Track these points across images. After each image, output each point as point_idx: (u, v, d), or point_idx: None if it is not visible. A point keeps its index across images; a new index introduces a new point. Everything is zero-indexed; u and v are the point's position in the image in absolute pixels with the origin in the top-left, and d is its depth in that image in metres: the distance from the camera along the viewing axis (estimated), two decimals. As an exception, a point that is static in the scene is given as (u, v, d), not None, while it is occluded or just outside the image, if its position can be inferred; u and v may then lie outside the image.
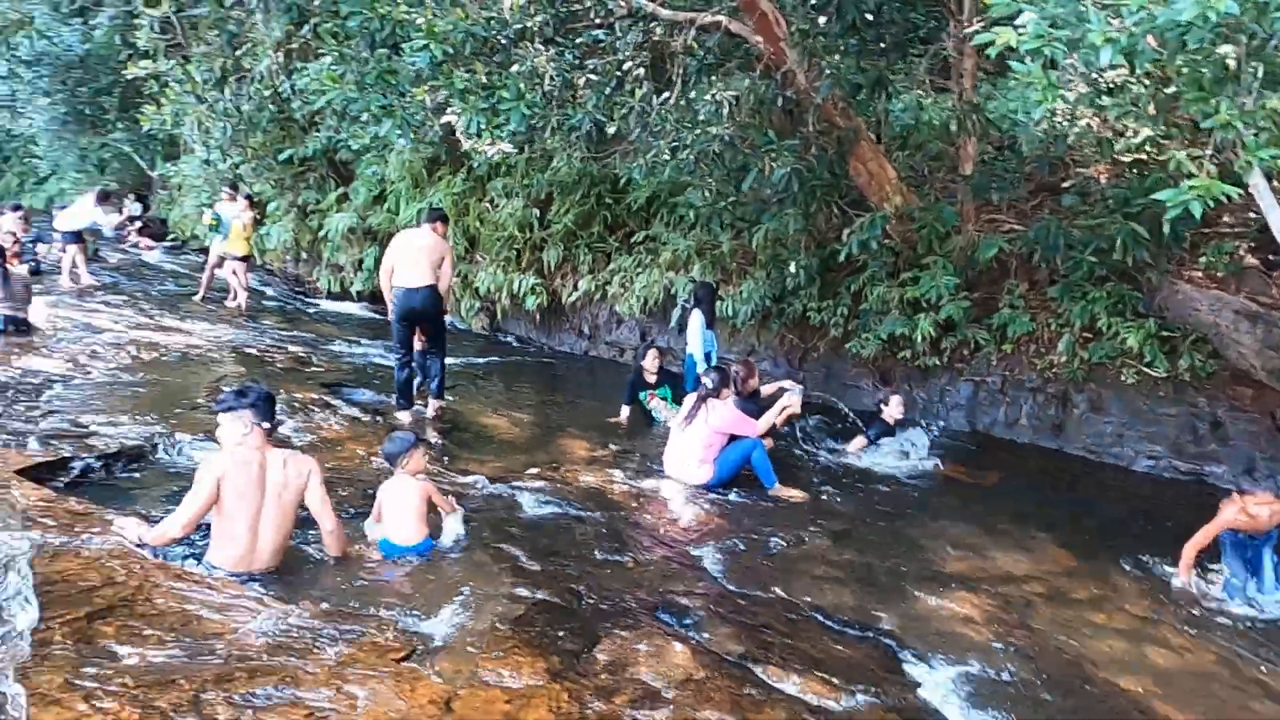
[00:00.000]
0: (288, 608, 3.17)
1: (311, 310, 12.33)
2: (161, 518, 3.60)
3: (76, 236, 11.03)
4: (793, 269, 7.39)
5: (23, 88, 16.94)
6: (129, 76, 12.86)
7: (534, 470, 5.39)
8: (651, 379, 6.87)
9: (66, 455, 4.50)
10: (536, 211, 10.00)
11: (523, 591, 3.55)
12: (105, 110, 16.90)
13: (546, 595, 3.57)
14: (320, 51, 8.80)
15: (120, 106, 16.49)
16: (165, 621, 2.91)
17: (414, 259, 6.02)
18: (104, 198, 11.52)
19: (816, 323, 7.64)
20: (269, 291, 13.06)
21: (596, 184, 9.68)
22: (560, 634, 3.21)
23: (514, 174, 10.29)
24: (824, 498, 5.31)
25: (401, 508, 3.88)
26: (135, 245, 16.14)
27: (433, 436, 5.96)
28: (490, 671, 2.84)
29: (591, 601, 3.59)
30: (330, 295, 13.06)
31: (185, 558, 3.56)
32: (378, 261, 11.98)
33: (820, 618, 3.65)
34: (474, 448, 5.92)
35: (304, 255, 14.12)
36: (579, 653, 3.08)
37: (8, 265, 7.63)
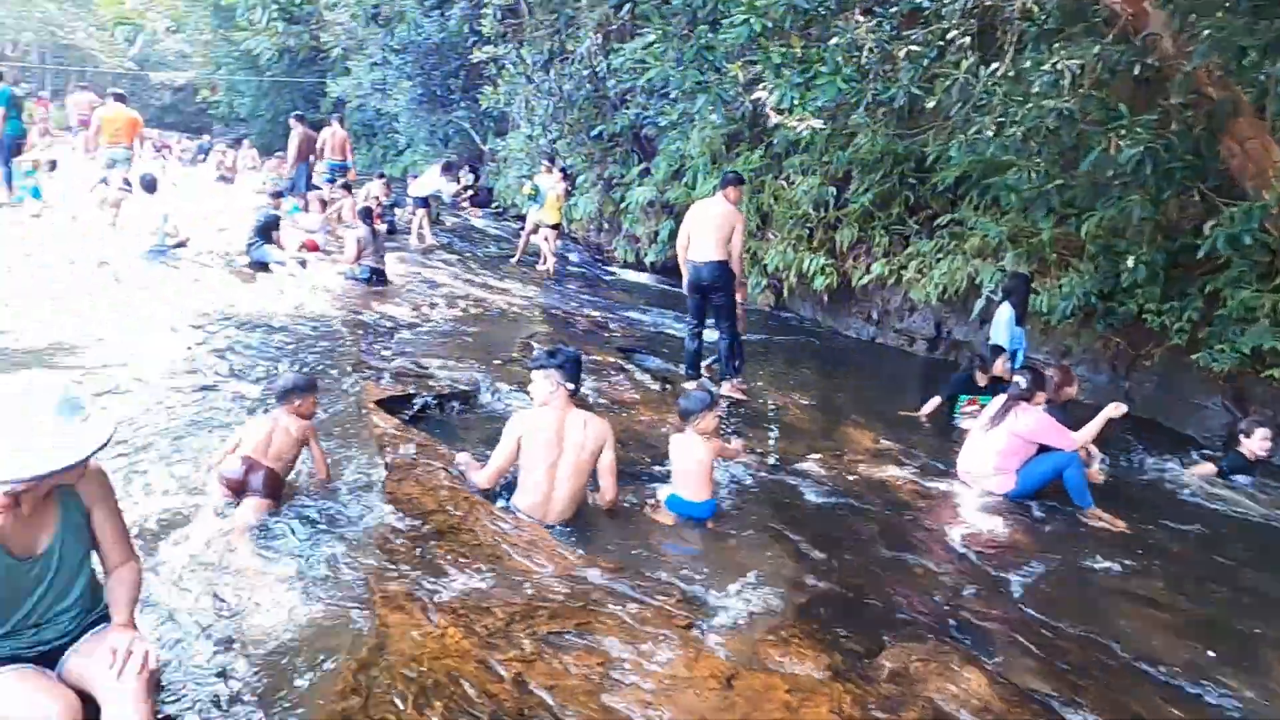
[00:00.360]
0: (582, 559, 3.38)
1: (609, 278, 13.11)
2: (486, 456, 4.01)
3: (424, 202, 12.68)
4: (1130, 263, 6.43)
5: (391, 72, 19.84)
6: (474, 60, 14.52)
7: (815, 456, 5.26)
8: (983, 383, 6.20)
9: (411, 392, 5.18)
10: (833, 190, 9.71)
11: (805, 579, 3.49)
12: (452, 91, 19.29)
13: (829, 587, 3.47)
14: (639, 31, 9.21)
15: (463, 88, 18.73)
16: (483, 553, 3.24)
17: (704, 231, 6.10)
18: (447, 168, 13.11)
19: (1155, 326, 6.62)
20: (573, 258, 14.06)
21: (900, 162, 9.16)
22: (843, 631, 3.10)
23: (813, 151, 10.07)
24: (1151, 529, 4.60)
25: (690, 465, 3.97)
26: (465, 211, 18.24)
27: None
28: (771, 656, 2.82)
29: (875, 603, 3.43)
30: (626, 264, 13.80)
31: (499, 498, 3.93)
32: (672, 234, 12.50)
33: (1146, 668, 3.17)
34: (754, 425, 5.92)
35: (605, 226, 15.08)
36: (862, 655, 2.95)
37: (374, 225, 8.96)
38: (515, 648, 2.60)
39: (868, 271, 9.22)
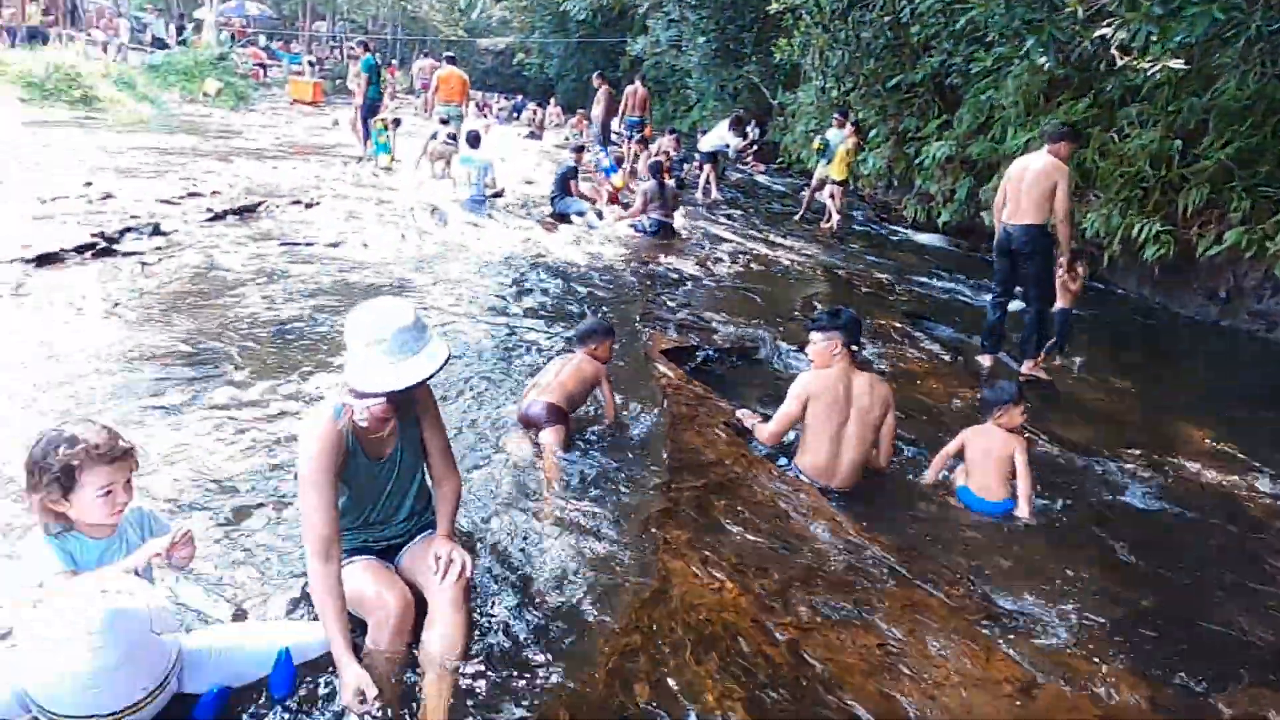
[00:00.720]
0: (864, 533, 3.22)
1: (895, 238, 12.40)
2: (765, 414, 3.97)
3: (711, 157, 12.81)
4: None
5: (687, 28, 20.16)
6: (769, 11, 14.25)
7: (1134, 452, 4.57)
8: None
9: (694, 344, 5.27)
10: (1179, 143, 8.26)
11: (1121, 592, 3.05)
12: (744, 45, 19.20)
13: (1152, 605, 3.00)
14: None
15: (755, 41, 18.55)
16: (762, 511, 3.21)
17: (1022, 191, 5.45)
18: (736, 123, 13.09)
19: None
20: (857, 217, 13.47)
21: (1277, 110, 7.54)
22: (1169, 660, 2.66)
23: (1156, 99, 8.62)
24: None
25: (988, 461, 3.63)
26: (749, 167, 18.20)
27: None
28: (1078, 672, 2.50)
29: (1213, 633, 2.91)
30: (915, 225, 12.96)
31: (779, 458, 3.87)
32: (969, 193, 11.51)
33: None
34: (1059, 409, 5.28)
35: (894, 183, 14.26)
36: (1194, 692, 2.52)
37: (664, 179, 9.21)
38: (792, 614, 2.55)
39: (1218, 241, 7.77)
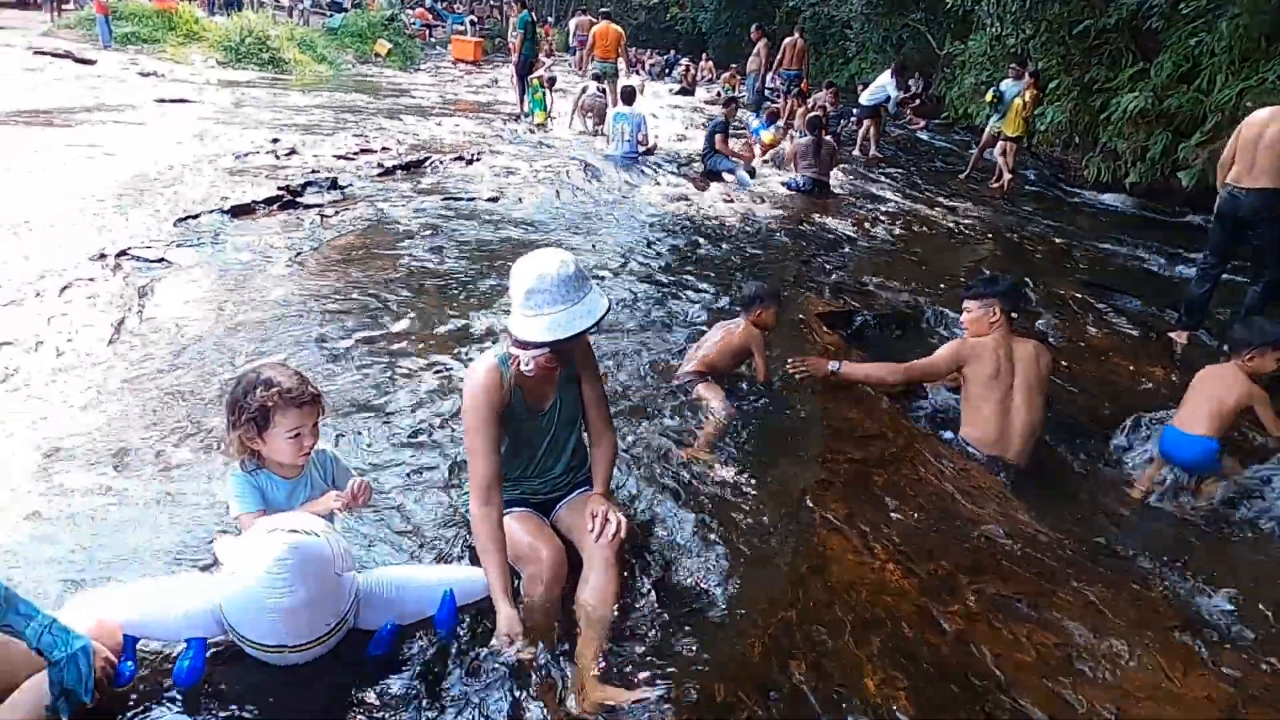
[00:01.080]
0: (1039, 518, 2.98)
1: (1073, 200, 11.42)
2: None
3: (873, 112, 12.16)
4: None
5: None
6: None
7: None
8: None
9: (852, 309, 5.04)
10: None
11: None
12: (915, -9, 18.04)
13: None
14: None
15: (926, -13, 17.39)
16: (925, 490, 3.03)
17: (1255, 150, 4.77)
18: (898, 71, 12.31)
19: None
20: (1029, 176, 12.48)
21: None
22: None
23: None
24: None
25: (1208, 399, 3.32)
26: (910, 122, 17.20)
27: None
28: (1296, 699, 2.20)
29: None
30: (1097, 185, 11.87)
31: (941, 432, 3.64)
32: (1164, 150, 10.37)
33: None
34: None
35: (1075, 139, 13.07)
36: None
37: (822, 135, 8.83)
38: (960, 602, 2.38)
39: None
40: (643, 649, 2.08)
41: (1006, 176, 10.78)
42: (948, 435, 3.58)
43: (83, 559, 2.24)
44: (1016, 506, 3.07)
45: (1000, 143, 10.87)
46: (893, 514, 2.82)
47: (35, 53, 13.40)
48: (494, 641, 2.02)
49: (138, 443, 2.88)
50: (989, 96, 11.30)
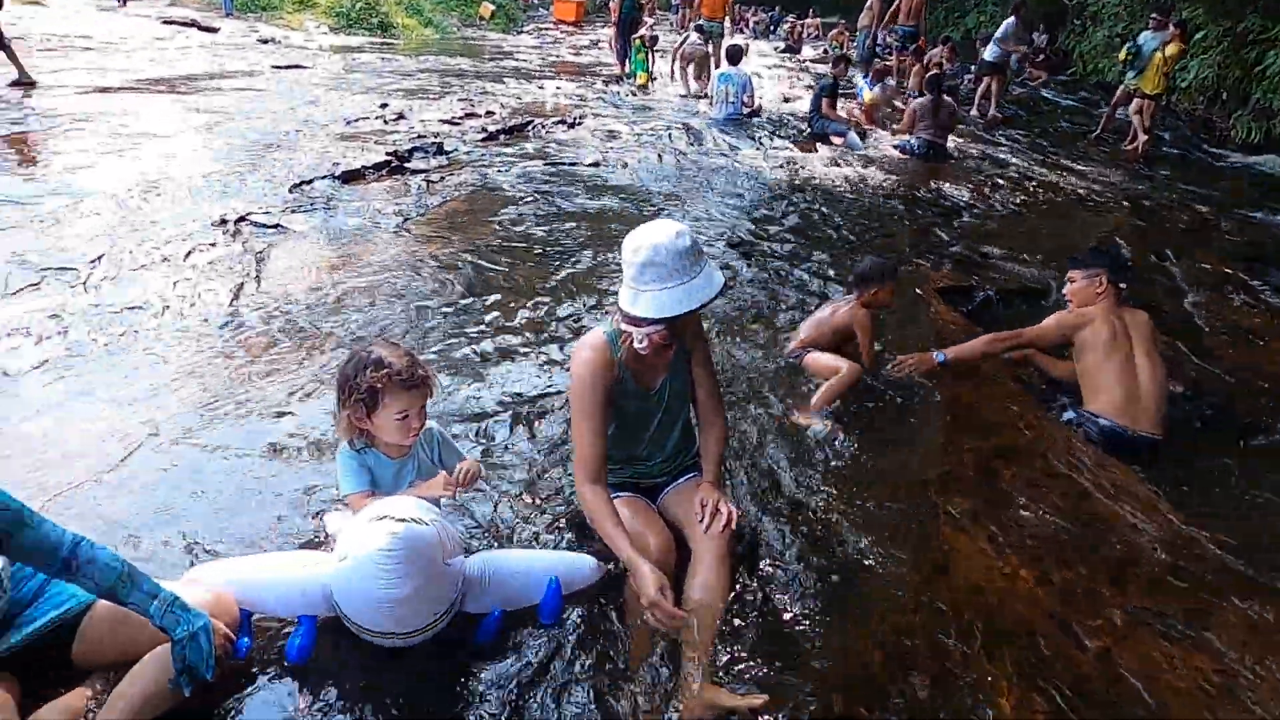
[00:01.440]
0: (1189, 518, 2.70)
1: (1218, 164, 10.44)
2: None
3: (995, 68, 11.39)
4: None
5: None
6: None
7: None
8: None
9: (973, 283, 4.73)
10: None
11: None
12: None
13: None
14: None
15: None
16: (1059, 486, 2.79)
17: None
18: (1016, 8, 11.43)
19: None
20: (1166, 137, 11.50)
21: None
22: None
23: None
24: None
25: None
26: (1033, 79, 16.09)
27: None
28: None
29: None
30: (1246, 146, 10.83)
31: (1071, 419, 3.36)
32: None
33: None
34: None
35: (1223, 96, 11.94)
36: None
37: (941, 96, 8.31)
38: (1101, 616, 2.17)
39: None
40: (751, 650, 1.98)
41: (1142, 138, 9.94)
42: (1068, 416, 3.31)
43: (198, 530, 2.29)
44: (1163, 507, 2.80)
45: (1136, 100, 10.01)
46: (1023, 511, 2.61)
47: (164, 22, 14.04)
48: (646, 596, 1.83)
49: (251, 411, 2.94)
50: (1124, 52, 10.39)
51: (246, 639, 1.78)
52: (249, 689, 1.77)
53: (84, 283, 3.87)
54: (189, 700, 1.63)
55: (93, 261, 4.08)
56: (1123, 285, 3.47)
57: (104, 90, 8.18)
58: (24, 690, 1.63)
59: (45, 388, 3.00)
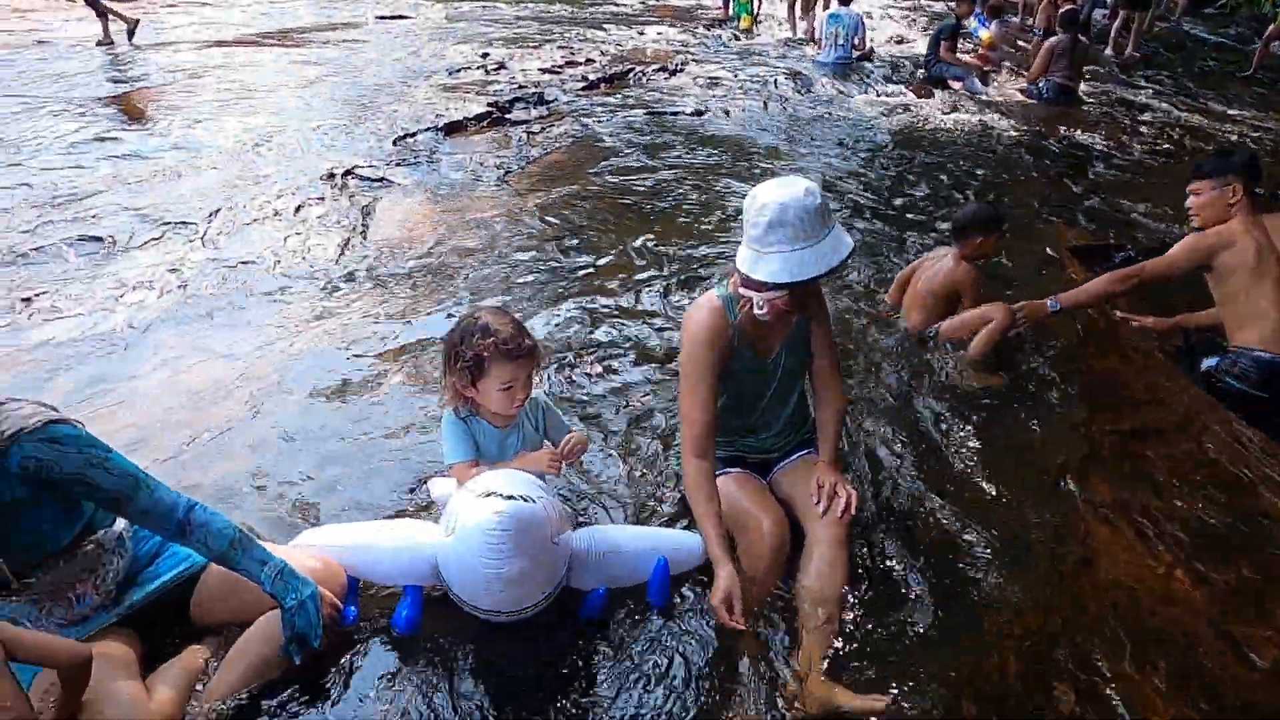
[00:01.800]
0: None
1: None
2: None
3: (1137, 1, 10.38)
4: None
5: None
6: None
7: None
8: None
9: (1111, 242, 4.33)
10: None
11: None
12: None
13: None
14: None
15: None
16: (1214, 473, 2.50)
17: None
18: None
19: None
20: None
21: None
22: None
23: None
24: None
25: None
26: (1174, 14, 14.64)
27: None
28: None
29: None
30: None
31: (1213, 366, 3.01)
32: None
33: None
34: None
35: None
36: None
37: (1078, 35, 7.61)
38: (1270, 626, 1.94)
39: None
40: (870, 647, 1.84)
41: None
42: (1209, 363, 2.97)
43: (305, 493, 2.30)
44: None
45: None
46: (1176, 501, 2.36)
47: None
48: (710, 600, 1.81)
49: (358, 373, 2.95)
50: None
51: (354, 608, 1.77)
52: (356, 659, 1.76)
53: (201, 237, 3.99)
54: (299, 668, 1.63)
55: (209, 216, 4.20)
56: (1259, 191, 2.99)
57: (219, 44, 8.42)
58: (145, 649, 1.67)
59: (165, 341, 3.10)
